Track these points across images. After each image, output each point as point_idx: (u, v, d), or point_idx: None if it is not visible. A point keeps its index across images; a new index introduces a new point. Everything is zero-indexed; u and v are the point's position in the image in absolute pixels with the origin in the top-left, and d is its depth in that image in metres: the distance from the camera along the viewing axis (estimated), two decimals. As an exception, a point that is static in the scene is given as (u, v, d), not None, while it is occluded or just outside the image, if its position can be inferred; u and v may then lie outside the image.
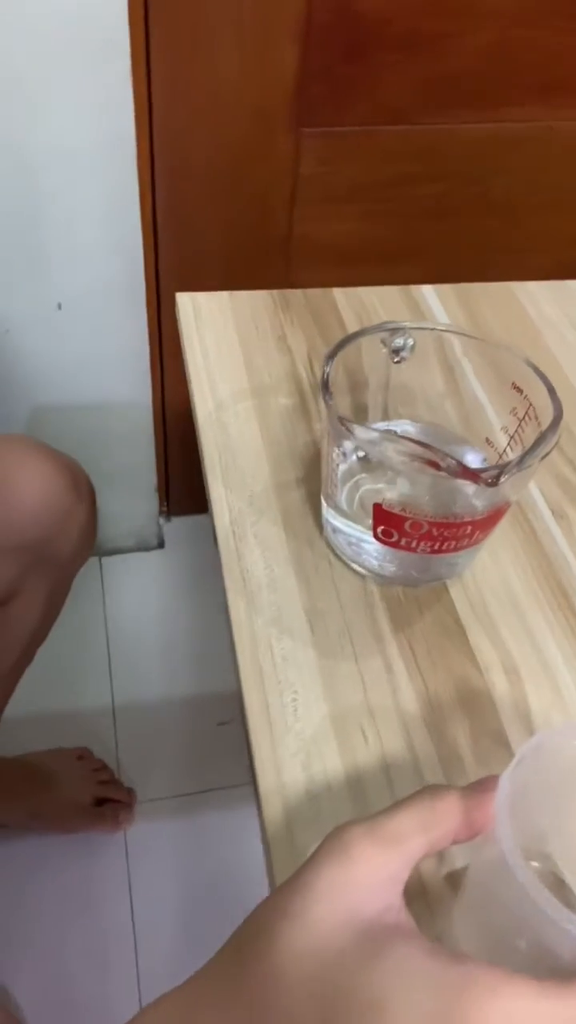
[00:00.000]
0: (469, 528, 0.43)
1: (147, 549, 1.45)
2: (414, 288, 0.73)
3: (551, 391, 0.43)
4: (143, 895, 1.07)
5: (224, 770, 1.19)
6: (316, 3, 0.94)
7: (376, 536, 0.45)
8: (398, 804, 0.32)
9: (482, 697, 0.45)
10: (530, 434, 0.44)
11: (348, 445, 0.44)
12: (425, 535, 0.43)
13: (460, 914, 0.36)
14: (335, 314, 0.70)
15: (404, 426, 0.52)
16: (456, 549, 0.45)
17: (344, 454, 0.45)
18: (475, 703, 0.45)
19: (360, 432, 0.41)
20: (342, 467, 0.46)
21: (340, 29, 0.97)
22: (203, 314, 0.68)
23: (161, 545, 1.46)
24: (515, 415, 0.46)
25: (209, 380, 0.62)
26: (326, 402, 0.43)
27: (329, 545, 0.52)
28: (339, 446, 0.45)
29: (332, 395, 0.43)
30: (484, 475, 0.38)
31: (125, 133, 0.99)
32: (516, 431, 0.46)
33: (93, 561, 1.42)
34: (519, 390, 0.46)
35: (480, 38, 1.00)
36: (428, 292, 0.72)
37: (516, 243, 1.23)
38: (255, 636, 0.47)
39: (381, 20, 0.97)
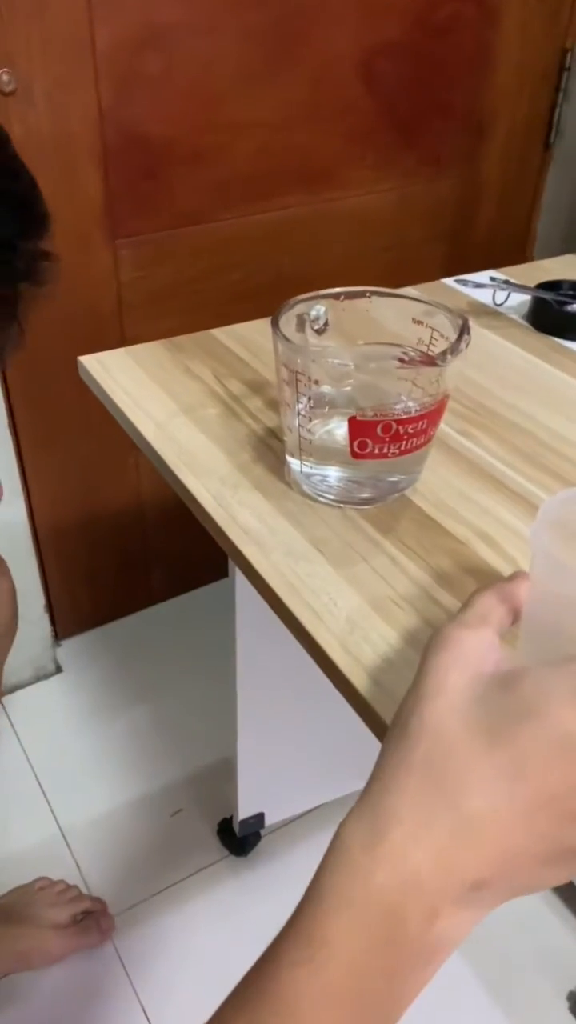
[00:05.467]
0: (424, 422, 0.53)
1: (46, 677, 1.42)
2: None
3: (447, 308, 0.56)
4: (155, 1003, 1.01)
5: (193, 855, 1.17)
6: (108, 131, 1.09)
7: (353, 452, 0.54)
8: (469, 598, 0.40)
9: (473, 558, 0.54)
10: (440, 348, 0.55)
11: (313, 385, 0.53)
12: (394, 436, 0.53)
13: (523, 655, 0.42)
14: (222, 346, 0.80)
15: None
16: (417, 447, 0.55)
17: (309, 398, 0.54)
18: (471, 563, 0.54)
19: (332, 356, 0.51)
20: (302, 417, 0.55)
21: (134, 151, 1.12)
22: (110, 367, 0.75)
23: (59, 670, 1.44)
24: (421, 342, 0.58)
25: (141, 409, 0.69)
26: (292, 352, 0.53)
27: (304, 494, 0.60)
28: (305, 392, 0.54)
29: (294, 350, 0.53)
30: (437, 357, 0.49)
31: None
32: (427, 351, 0.57)
33: (-6, 704, 1.36)
34: (420, 322, 0.58)
35: (248, 145, 1.20)
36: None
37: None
38: (277, 567, 0.53)
39: (167, 140, 1.13)
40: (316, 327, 0.59)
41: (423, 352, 0.54)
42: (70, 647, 1.48)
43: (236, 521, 0.57)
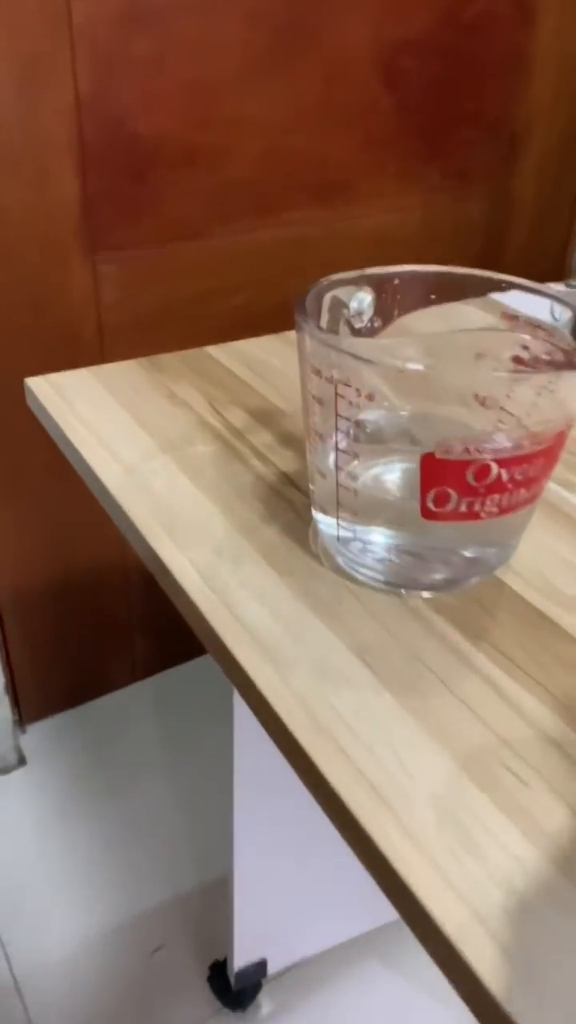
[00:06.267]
0: (540, 463, 0.34)
1: (6, 771, 1.20)
2: (290, 332, 0.66)
3: (558, 299, 0.36)
4: None
5: (177, 1008, 0.93)
6: (87, 125, 0.91)
7: (425, 509, 0.34)
8: None
9: (619, 681, 0.34)
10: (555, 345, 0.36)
11: (364, 402, 0.33)
12: (494, 484, 0.33)
13: None
14: (219, 366, 0.61)
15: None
16: (522, 504, 0.35)
17: (356, 424, 0.34)
18: (616, 690, 0.34)
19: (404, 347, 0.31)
20: (342, 454, 0.35)
21: (118, 150, 0.95)
22: (67, 392, 0.56)
23: (22, 762, 1.21)
24: (519, 344, 0.38)
25: (105, 448, 0.50)
26: (329, 349, 0.33)
27: (340, 571, 0.39)
28: (350, 414, 0.34)
29: (331, 343, 0.33)
30: (577, 352, 0.29)
31: None
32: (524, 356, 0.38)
33: None
34: (514, 318, 0.38)
35: (251, 147, 1.02)
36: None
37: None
38: (303, 699, 0.33)
39: (157, 137, 0.96)
40: (358, 325, 0.40)
41: (554, 345, 0.34)
42: (36, 734, 1.26)
43: (236, 616, 0.37)
